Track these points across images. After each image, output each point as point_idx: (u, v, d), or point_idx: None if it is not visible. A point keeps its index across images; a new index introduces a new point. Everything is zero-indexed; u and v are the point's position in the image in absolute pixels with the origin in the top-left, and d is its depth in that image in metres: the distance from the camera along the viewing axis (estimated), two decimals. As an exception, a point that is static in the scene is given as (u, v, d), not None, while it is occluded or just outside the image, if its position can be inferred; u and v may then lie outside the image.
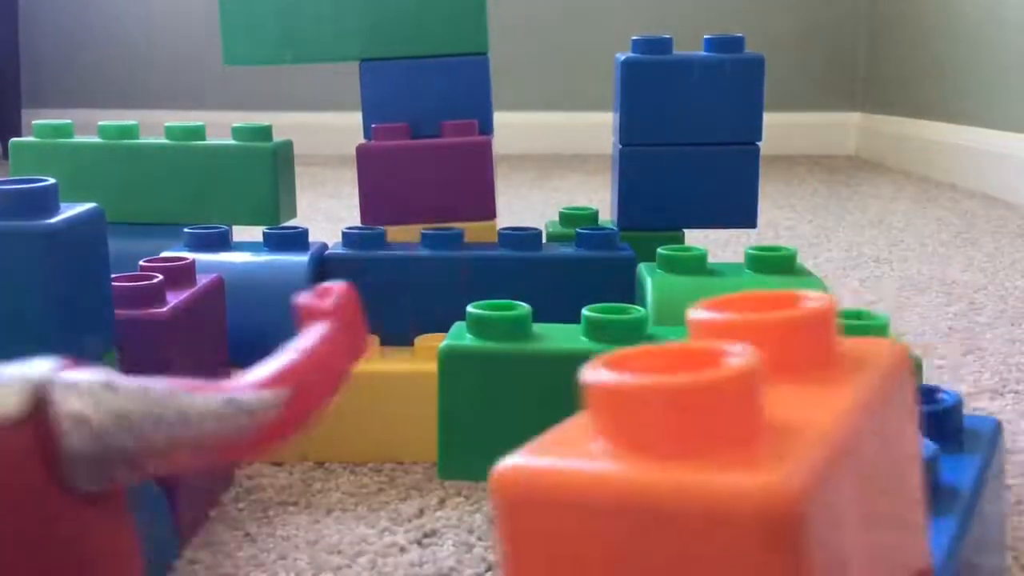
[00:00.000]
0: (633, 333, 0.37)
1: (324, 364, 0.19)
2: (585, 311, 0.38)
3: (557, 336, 0.38)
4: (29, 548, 0.15)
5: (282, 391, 0.17)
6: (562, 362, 0.37)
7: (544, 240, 0.55)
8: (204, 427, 0.16)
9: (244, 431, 0.17)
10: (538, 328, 0.39)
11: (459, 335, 0.38)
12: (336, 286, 0.20)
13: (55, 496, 0.15)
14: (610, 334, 0.37)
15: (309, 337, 0.19)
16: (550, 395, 0.37)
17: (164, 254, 0.49)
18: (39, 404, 0.16)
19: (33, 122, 0.61)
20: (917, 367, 0.37)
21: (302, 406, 0.18)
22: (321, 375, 0.18)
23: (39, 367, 0.17)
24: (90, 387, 0.16)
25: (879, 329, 0.37)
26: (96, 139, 0.60)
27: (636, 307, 0.38)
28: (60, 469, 0.15)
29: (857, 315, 0.38)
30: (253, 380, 0.18)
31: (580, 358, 0.36)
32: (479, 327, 0.38)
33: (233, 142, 0.59)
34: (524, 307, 0.38)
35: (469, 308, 0.39)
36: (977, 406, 0.57)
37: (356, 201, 0.59)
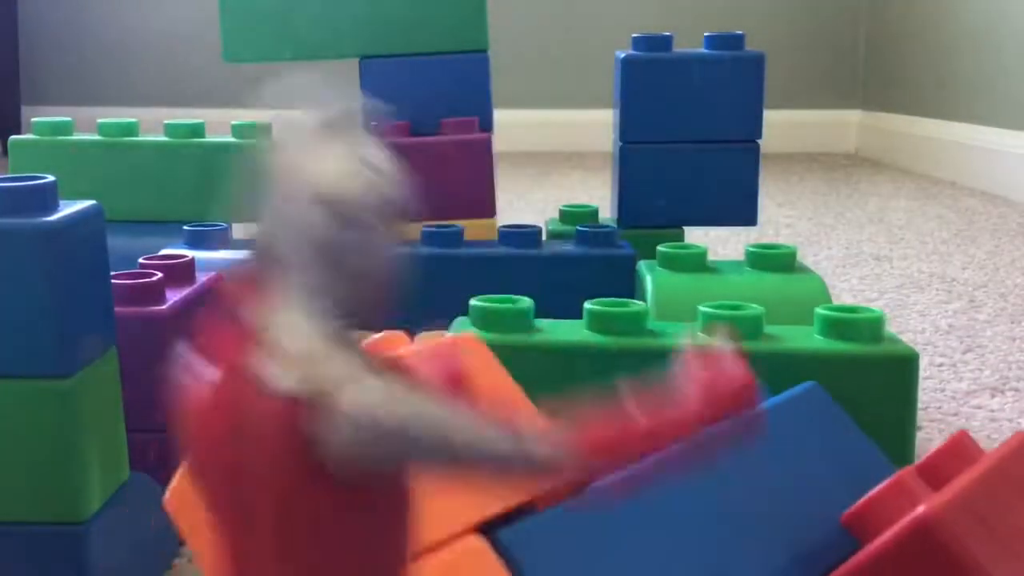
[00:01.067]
0: (634, 326, 0.37)
1: (645, 444, 0.17)
2: (587, 304, 0.38)
3: (560, 329, 0.38)
4: (278, 516, 0.16)
5: (580, 456, 0.16)
6: (566, 353, 0.37)
7: (544, 238, 0.55)
8: (482, 463, 0.16)
9: (519, 474, 0.16)
10: (539, 323, 0.39)
11: (463, 328, 0.38)
12: (737, 374, 0.17)
13: (310, 474, 0.15)
14: (612, 327, 0.37)
15: (654, 409, 0.17)
16: (554, 386, 0.37)
17: (164, 251, 0.49)
18: (323, 390, 0.15)
19: (32, 120, 0.61)
20: (914, 363, 0.36)
21: (590, 472, 0.16)
22: (633, 452, 0.17)
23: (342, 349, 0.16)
24: (381, 389, 0.15)
25: (874, 323, 0.37)
26: (96, 137, 0.60)
27: (636, 302, 0.39)
28: (318, 453, 0.15)
29: (852, 310, 0.38)
30: (556, 432, 0.16)
31: (583, 350, 0.37)
32: (483, 320, 0.38)
33: (233, 140, 0.59)
34: (527, 300, 0.39)
35: (472, 301, 0.39)
36: (977, 403, 0.57)
37: (356, 199, 0.58)
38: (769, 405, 0.30)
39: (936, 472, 0.25)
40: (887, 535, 0.23)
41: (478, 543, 0.23)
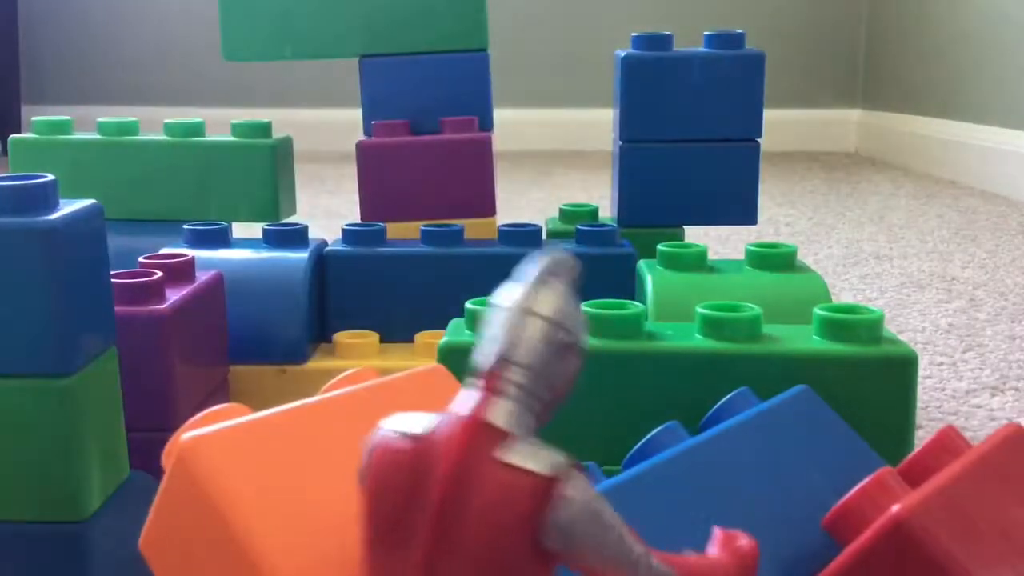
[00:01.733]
0: (631, 328, 0.37)
1: None
2: (583, 306, 0.38)
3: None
4: None
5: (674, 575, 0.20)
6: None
7: (544, 237, 0.55)
8: (628, 570, 0.20)
9: None
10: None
11: (458, 331, 0.38)
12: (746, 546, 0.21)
13: (532, 549, 0.19)
14: (608, 329, 0.37)
15: (704, 560, 0.22)
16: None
17: (164, 250, 0.49)
18: (558, 477, 0.19)
19: (32, 118, 0.61)
20: (913, 364, 0.36)
21: None
22: None
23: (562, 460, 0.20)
24: (588, 490, 0.20)
25: (873, 324, 0.37)
26: (95, 136, 0.60)
27: (634, 303, 0.38)
28: (539, 529, 0.19)
29: (851, 309, 0.38)
30: (657, 554, 0.20)
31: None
32: (476, 323, 0.38)
33: (233, 139, 0.59)
34: None
35: (468, 304, 0.39)
36: (977, 402, 0.57)
37: (356, 198, 0.58)
38: (760, 409, 0.30)
39: (921, 470, 0.25)
40: (863, 537, 0.22)
41: None
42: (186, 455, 0.23)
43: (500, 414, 0.20)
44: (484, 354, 0.21)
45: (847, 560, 0.22)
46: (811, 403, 0.31)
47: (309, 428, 0.24)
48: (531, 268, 0.21)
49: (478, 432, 0.20)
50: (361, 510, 0.20)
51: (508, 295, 0.21)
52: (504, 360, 0.20)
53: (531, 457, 0.19)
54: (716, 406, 0.31)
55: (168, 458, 0.24)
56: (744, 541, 0.21)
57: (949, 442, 0.25)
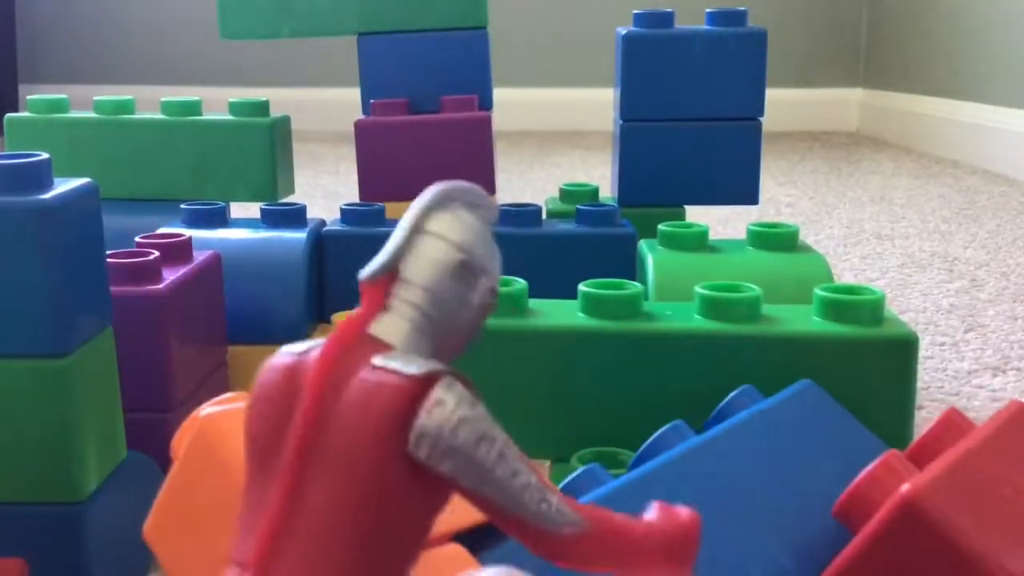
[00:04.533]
0: (629, 308, 0.37)
1: (621, 545, 0.19)
2: (581, 286, 0.37)
3: (553, 312, 0.38)
4: (354, 481, 0.17)
5: (584, 524, 0.19)
6: (559, 338, 0.37)
7: (544, 217, 0.55)
8: (509, 503, 0.18)
9: (533, 533, 0.18)
10: (534, 304, 0.38)
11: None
12: (685, 518, 0.20)
13: (401, 461, 0.17)
14: (606, 309, 0.37)
15: (631, 521, 0.20)
16: (547, 370, 0.37)
17: (161, 230, 0.49)
18: (429, 380, 0.18)
19: (28, 97, 0.61)
20: (914, 346, 0.36)
21: (584, 547, 0.19)
22: (612, 548, 0.19)
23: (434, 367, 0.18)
24: (464, 397, 0.18)
25: (874, 304, 0.36)
26: (92, 114, 0.60)
27: (632, 282, 0.38)
28: (407, 436, 0.17)
29: (851, 290, 0.37)
30: (570, 501, 0.19)
31: (577, 334, 0.36)
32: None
33: (230, 117, 0.59)
34: (520, 282, 0.38)
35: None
36: (979, 383, 0.57)
37: (355, 178, 0.58)
38: (765, 406, 0.30)
39: (928, 453, 0.25)
40: (874, 520, 0.22)
41: (460, 550, 0.23)
42: (207, 429, 0.22)
43: (383, 326, 0.19)
44: (369, 265, 0.19)
45: (860, 544, 0.22)
46: (816, 397, 0.31)
47: None
48: (425, 195, 0.20)
49: (355, 341, 0.18)
50: (244, 433, 0.19)
51: (403, 219, 0.20)
52: (392, 274, 0.19)
53: (407, 362, 0.18)
54: (720, 404, 0.31)
55: (180, 442, 0.24)
56: (685, 512, 0.20)
57: (953, 424, 0.25)
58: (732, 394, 0.31)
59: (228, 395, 0.25)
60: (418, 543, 0.18)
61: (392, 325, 0.19)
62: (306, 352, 0.19)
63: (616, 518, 0.19)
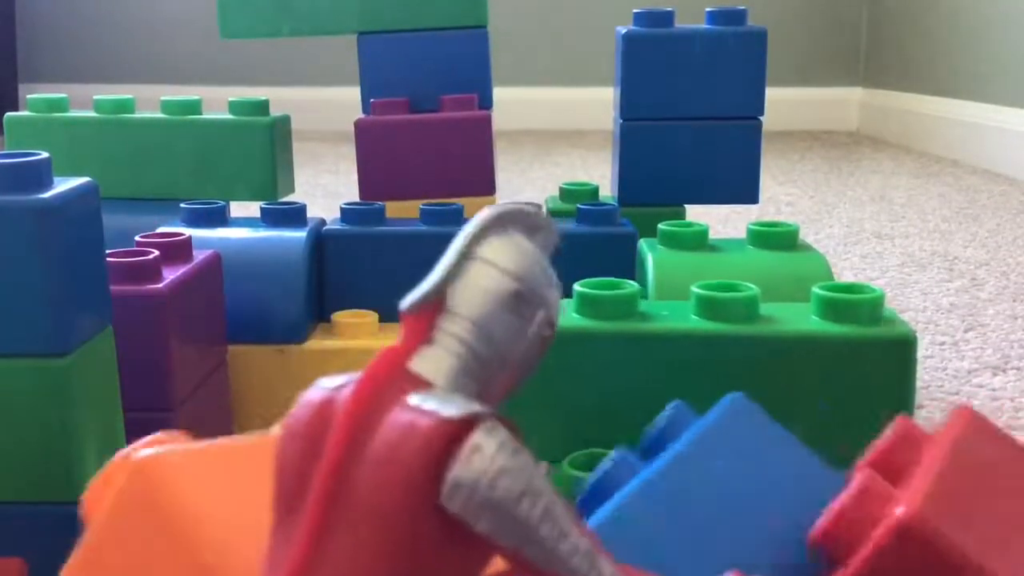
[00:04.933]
0: (624, 308, 0.37)
1: None
2: (576, 286, 0.37)
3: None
4: (387, 528, 0.16)
5: None
6: (555, 338, 0.36)
7: (544, 216, 0.55)
8: (554, 568, 0.16)
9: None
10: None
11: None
12: None
13: (432, 513, 0.16)
14: (601, 309, 0.37)
15: None
16: (541, 371, 0.37)
17: (160, 230, 0.49)
18: (468, 423, 0.16)
19: (28, 96, 0.61)
20: (912, 346, 0.36)
21: None
22: None
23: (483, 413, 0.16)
24: (506, 444, 0.16)
25: (873, 303, 0.36)
26: (92, 113, 0.60)
27: (628, 282, 0.38)
28: (440, 486, 0.16)
29: (850, 289, 0.37)
30: (623, 568, 0.17)
31: (571, 333, 0.36)
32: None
33: (230, 117, 0.59)
34: None
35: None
36: (979, 382, 0.57)
37: (355, 177, 0.58)
38: (704, 428, 0.29)
39: (887, 466, 0.24)
40: (869, 546, 0.21)
41: None
42: (144, 473, 0.20)
43: (425, 361, 0.17)
44: (412, 293, 0.17)
45: (856, 571, 0.21)
46: (750, 412, 0.30)
47: (263, 458, 0.20)
48: (484, 212, 0.18)
49: (392, 378, 0.17)
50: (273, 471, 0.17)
51: (455, 241, 0.18)
52: (437, 303, 0.17)
53: (445, 402, 0.16)
54: (655, 428, 0.30)
55: (100, 491, 0.22)
56: None
57: (908, 435, 0.25)
58: (664, 413, 0.30)
59: (159, 435, 0.23)
60: None
61: (435, 361, 0.17)
62: (340, 387, 0.17)
63: None
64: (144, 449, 0.21)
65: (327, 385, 0.17)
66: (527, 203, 0.18)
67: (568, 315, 0.37)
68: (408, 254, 0.52)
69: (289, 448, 0.17)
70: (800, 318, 0.37)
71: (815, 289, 0.37)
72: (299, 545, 0.16)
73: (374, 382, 0.16)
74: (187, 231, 0.47)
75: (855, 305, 0.36)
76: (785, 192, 1.21)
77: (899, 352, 0.36)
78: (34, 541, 0.32)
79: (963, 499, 0.22)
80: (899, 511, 0.21)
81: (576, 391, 0.36)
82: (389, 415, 0.16)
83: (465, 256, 0.17)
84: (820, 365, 0.35)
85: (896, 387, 0.36)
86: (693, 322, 0.36)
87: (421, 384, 0.16)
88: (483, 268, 0.17)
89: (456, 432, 0.15)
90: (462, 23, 0.58)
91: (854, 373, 0.36)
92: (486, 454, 0.15)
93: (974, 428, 0.24)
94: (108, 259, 0.38)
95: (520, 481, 0.15)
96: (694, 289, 0.37)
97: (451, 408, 0.16)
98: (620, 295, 0.37)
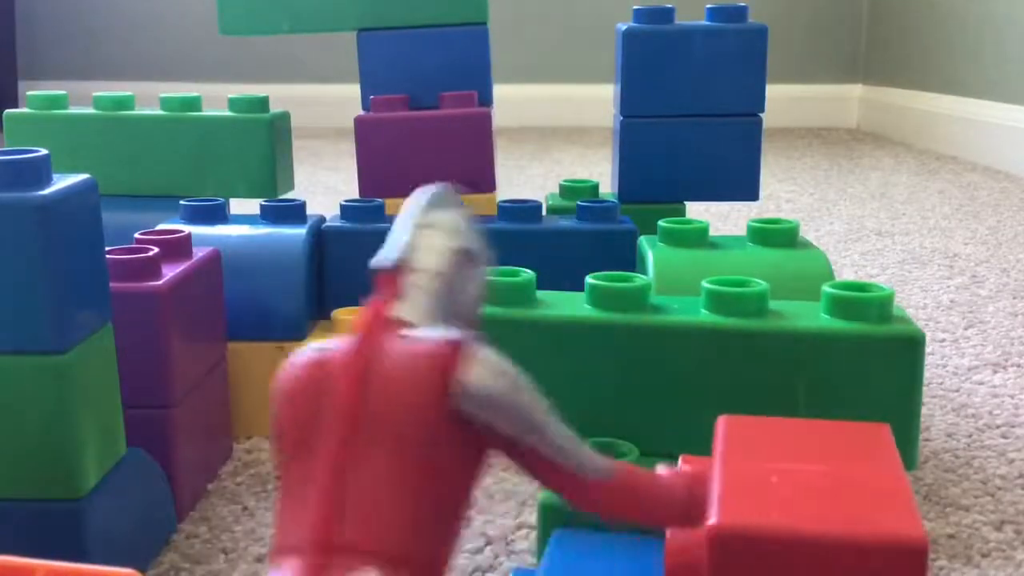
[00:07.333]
0: (636, 301, 0.37)
1: (646, 501, 0.22)
2: (589, 278, 0.37)
3: (561, 303, 0.38)
4: (407, 444, 0.19)
5: (612, 471, 0.21)
6: (566, 329, 0.37)
7: (544, 213, 0.55)
8: (553, 449, 0.20)
9: (570, 472, 0.21)
10: (541, 295, 0.38)
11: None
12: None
13: (446, 420, 0.19)
14: (614, 302, 0.37)
15: (665, 478, 0.22)
16: (552, 361, 0.37)
17: (160, 227, 0.49)
18: (463, 343, 0.19)
19: (27, 93, 0.61)
20: (920, 344, 0.36)
21: (607, 494, 0.21)
22: (635, 497, 0.22)
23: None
24: (496, 355, 0.20)
25: (882, 301, 0.36)
26: (91, 110, 0.60)
27: (640, 275, 0.38)
28: (452, 393, 0.19)
29: (863, 287, 0.37)
30: (607, 461, 0.21)
31: (584, 325, 0.36)
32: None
33: (230, 113, 0.59)
34: (528, 273, 0.38)
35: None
36: (979, 379, 0.57)
37: (355, 174, 0.58)
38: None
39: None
40: (706, 566, 0.21)
41: None
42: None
43: (403, 308, 0.21)
44: (380, 258, 0.21)
45: None
46: (580, 542, 0.31)
47: None
48: (417, 197, 0.22)
49: (380, 325, 0.20)
50: (272, 430, 0.20)
51: (401, 218, 0.22)
52: (403, 265, 0.21)
53: (435, 333, 0.20)
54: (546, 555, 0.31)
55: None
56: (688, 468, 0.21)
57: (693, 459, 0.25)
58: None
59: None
60: (470, 487, 0.20)
61: (412, 307, 0.21)
62: (326, 347, 0.20)
63: (640, 472, 0.21)
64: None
65: (313, 347, 0.20)
66: (441, 185, 0.23)
67: (581, 306, 0.37)
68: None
69: (291, 403, 0.20)
70: (810, 314, 0.37)
71: (825, 287, 0.37)
72: (324, 475, 0.19)
73: (367, 328, 0.20)
74: (187, 228, 0.47)
75: (864, 303, 0.36)
76: (785, 189, 1.21)
77: (908, 350, 0.36)
78: (34, 537, 0.32)
79: (757, 487, 0.22)
80: (710, 522, 0.21)
81: (587, 381, 0.37)
82: (388, 352, 0.19)
83: (420, 226, 0.22)
84: (829, 361, 0.35)
85: (904, 384, 0.36)
86: (704, 316, 0.36)
87: (405, 325, 0.20)
88: (438, 233, 0.22)
89: (455, 350, 0.19)
90: (462, 20, 0.58)
91: (862, 370, 0.36)
92: (485, 361, 0.19)
93: (735, 432, 0.24)
94: (108, 256, 0.38)
95: (514, 378, 0.20)
96: (705, 284, 0.37)
97: (443, 335, 0.20)
98: (632, 288, 0.37)
